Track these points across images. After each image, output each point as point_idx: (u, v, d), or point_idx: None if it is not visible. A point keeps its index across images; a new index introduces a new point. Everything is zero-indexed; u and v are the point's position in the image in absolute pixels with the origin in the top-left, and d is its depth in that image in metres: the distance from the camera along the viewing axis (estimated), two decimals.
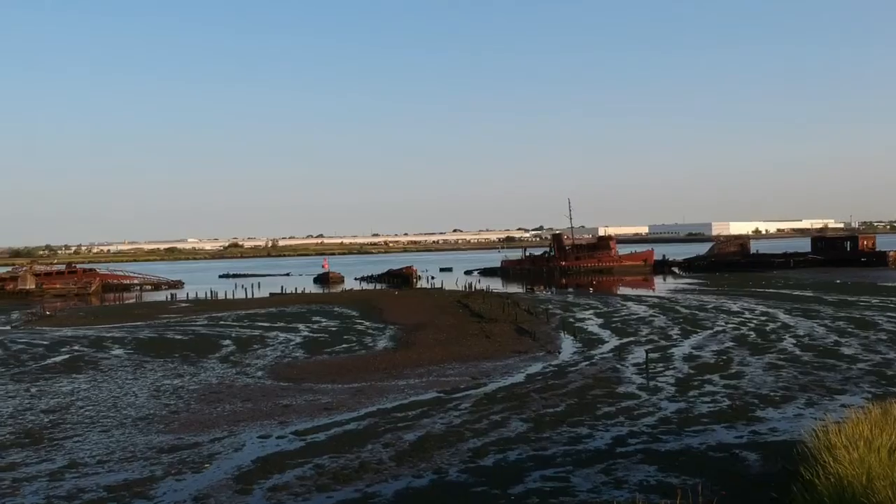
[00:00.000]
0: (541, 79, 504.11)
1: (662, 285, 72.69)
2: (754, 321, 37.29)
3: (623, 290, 66.71)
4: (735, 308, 44.00)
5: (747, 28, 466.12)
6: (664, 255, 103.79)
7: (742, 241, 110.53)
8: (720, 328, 35.08)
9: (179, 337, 37.83)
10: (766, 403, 19.15)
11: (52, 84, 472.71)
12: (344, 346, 33.10)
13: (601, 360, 27.11)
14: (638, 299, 53.12)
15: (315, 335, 37.09)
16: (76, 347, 34.68)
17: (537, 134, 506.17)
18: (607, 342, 31.82)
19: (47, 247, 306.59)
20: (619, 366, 25.64)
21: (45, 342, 37.15)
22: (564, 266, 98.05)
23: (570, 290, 72.05)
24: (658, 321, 38.82)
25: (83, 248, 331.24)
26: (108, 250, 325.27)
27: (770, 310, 42.31)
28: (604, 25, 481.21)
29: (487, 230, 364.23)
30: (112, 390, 23.61)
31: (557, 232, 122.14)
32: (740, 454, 14.76)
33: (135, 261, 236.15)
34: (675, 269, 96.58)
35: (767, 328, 34.36)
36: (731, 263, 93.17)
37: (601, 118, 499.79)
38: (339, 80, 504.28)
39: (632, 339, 32.60)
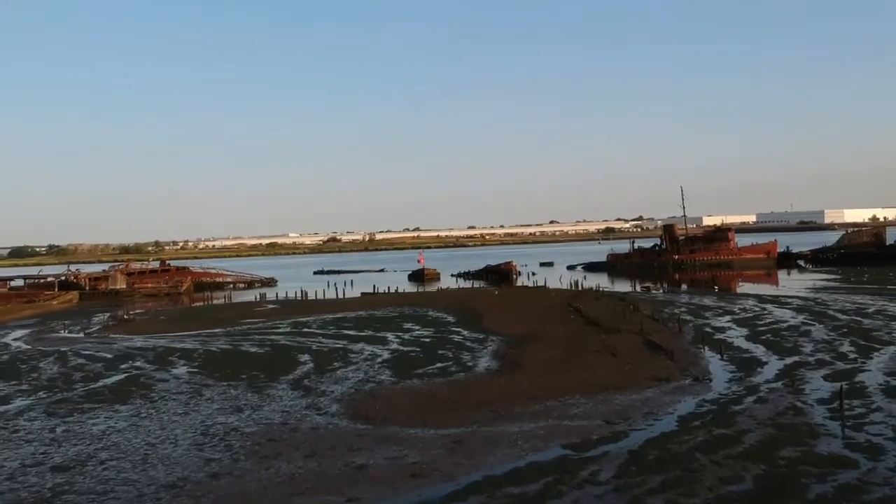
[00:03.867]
0: (633, 67, 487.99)
1: (793, 282, 64.57)
2: None
3: (751, 288, 59.21)
4: None
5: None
6: (787, 247, 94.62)
7: (877, 230, 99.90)
8: None
9: (254, 349, 33.45)
10: None
11: (171, 83, 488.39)
12: (438, 365, 27.73)
13: (770, 392, 20.82)
14: (776, 300, 45.86)
15: (405, 349, 31.95)
16: (137, 363, 30.68)
17: (632, 121, 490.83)
18: (766, 363, 25.36)
19: (156, 243, 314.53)
20: (798, 403, 19.35)
21: (108, 355, 33.46)
22: (678, 260, 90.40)
23: (685, 287, 65.25)
24: (816, 332, 31.95)
25: (189, 244, 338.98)
26: (213, 246, 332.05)
27: None
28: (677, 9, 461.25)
29: (585, 221, 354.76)
30: (151, 432, 18.96)
31: (668, 222, 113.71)
32: None
33: (237, 256, 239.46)
34: (801, 263, 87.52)
35: None
36: (865, 256, 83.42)
37: (695, 102, 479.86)
38: (432, 72, 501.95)
39: (795, 358, 26.02)
